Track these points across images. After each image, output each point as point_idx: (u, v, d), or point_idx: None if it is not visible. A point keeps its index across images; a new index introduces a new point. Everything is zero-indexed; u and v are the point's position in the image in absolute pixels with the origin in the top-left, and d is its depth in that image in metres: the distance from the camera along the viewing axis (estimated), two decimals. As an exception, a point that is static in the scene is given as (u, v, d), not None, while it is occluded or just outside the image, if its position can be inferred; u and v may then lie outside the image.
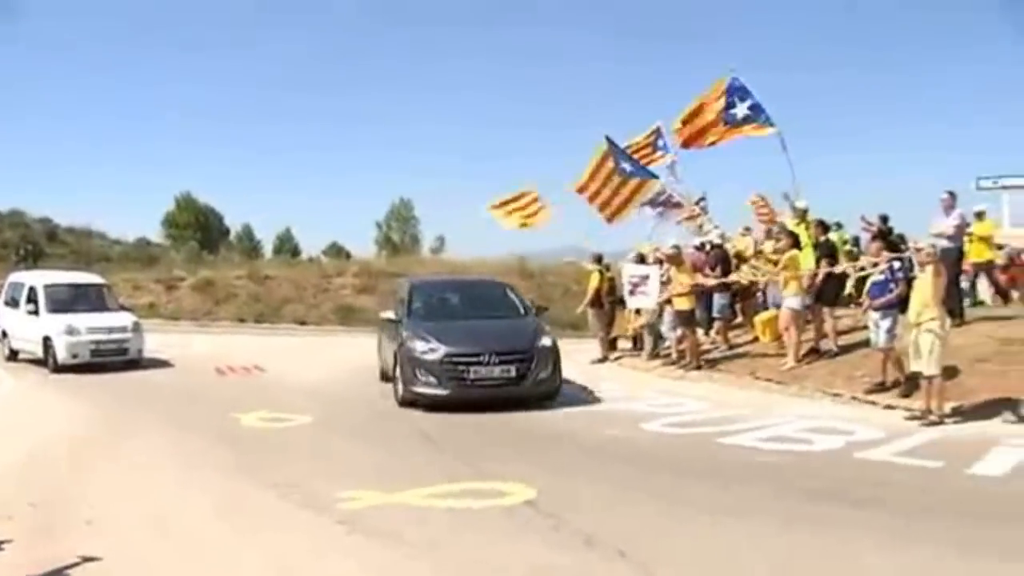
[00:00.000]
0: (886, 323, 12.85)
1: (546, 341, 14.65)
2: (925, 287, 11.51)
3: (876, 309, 13.00)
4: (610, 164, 20.31)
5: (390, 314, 16.25)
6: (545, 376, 14.23)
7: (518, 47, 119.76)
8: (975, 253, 17.06)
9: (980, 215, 17.27)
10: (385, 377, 16.24)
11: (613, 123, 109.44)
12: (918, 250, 12.09)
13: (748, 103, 19.04)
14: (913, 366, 11.86)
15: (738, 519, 7.68)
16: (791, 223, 17.59)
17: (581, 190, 21.13)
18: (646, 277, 19.06)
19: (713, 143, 19.81)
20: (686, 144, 20.12)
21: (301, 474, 9.61)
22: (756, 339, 17.54)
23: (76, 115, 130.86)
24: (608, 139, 20.37)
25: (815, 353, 15.69)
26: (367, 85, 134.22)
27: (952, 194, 15.33)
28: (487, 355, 13.85)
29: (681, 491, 8.72)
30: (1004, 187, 21.78)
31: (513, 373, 13.92)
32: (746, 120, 19.10)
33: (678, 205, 21.38)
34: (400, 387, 14.45)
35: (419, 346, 14.14)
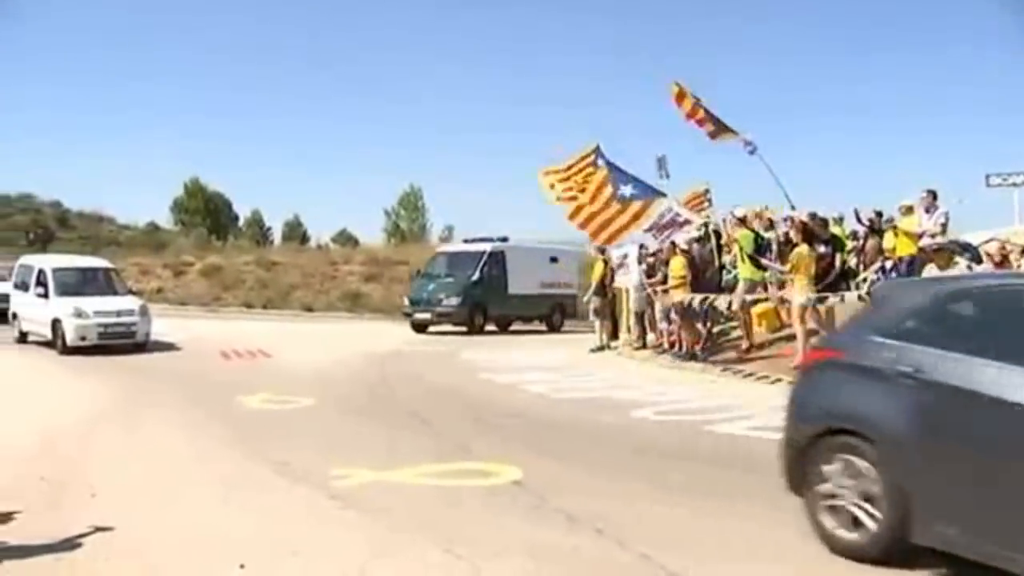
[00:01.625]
0: None
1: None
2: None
3: None
4: (608, 190, 20.45)
5: None
6: None
7: (534, 27, 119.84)
8: (902, 248, 16.38)
9: (909, 210, 17.11)
10: None
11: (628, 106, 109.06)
12: (937, 250, 11.95)
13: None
14: None
15: (718, 501, 7.97)
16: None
17: (572, 217, 21.27)
18: (625, 255, 19.47)
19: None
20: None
21: (299, 453, 9.93)
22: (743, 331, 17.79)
23: (86, 99, 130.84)
24: (606, 161, 20.76)
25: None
26: (379, 73, 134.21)
27: (932, 192, 15.54)
28: None
29: (665, 474, 8.98)
30: (1015, 184, 21.81)
31: None
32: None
33: (687, 223, 20.91)
34: None
35: None
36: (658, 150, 22.69)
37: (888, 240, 16.34)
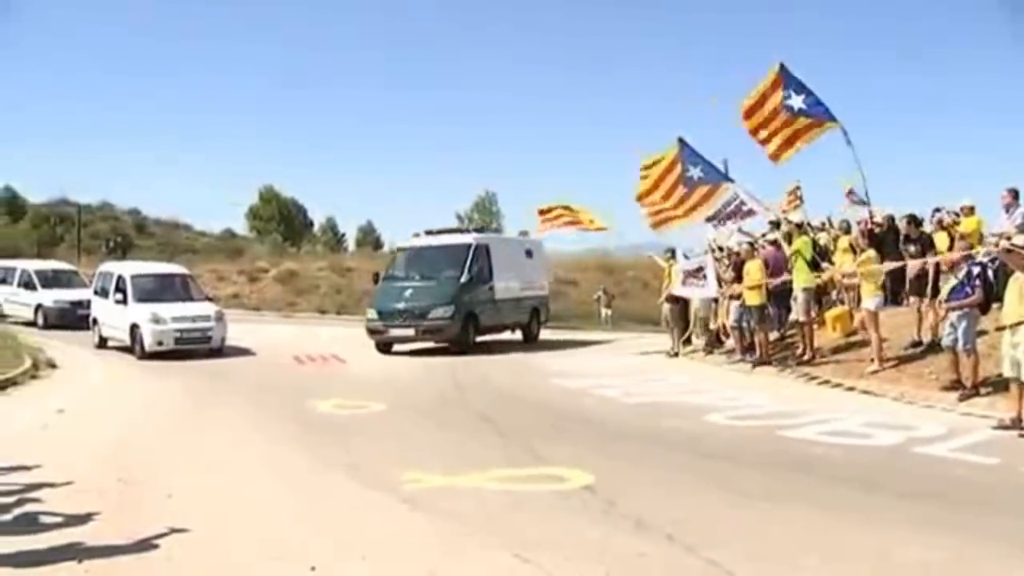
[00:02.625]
0: (964, 324, 12.56)
1: None
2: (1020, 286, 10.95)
3: (953, 310, 12.72)
4: (677, 171, 20.05)
5: None
6: None
7: (599, 51, 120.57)
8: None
9: (970, 211, 16.49)
10: None
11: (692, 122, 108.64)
12: (1009, 251, 11.54)
13: (803, 96, 18.66)
14: (1008, 371, 11.14)
15: (789, 507, 7.87)
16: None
17: (641, 197, 20.96)
18: (700, 268, 19.19)
19: (768, 141, 19.32)
20: (754, 133, 19.33)
21: (370, 457, 10.07)
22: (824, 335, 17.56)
23: (164, 108, 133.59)
24: (681, 141, 20.11)
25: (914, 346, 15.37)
26: (452, 79, 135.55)
27: (1013, 191, 15.09)
28: None
29: (736, 480, 8.88)
30: None
31: None
32: (801, 113, 18.65)
33: (751, 213, 20.31)
34: None
35: None
36: (724, 149, 22.41)
37: (940, 241, 16.00)
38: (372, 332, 23.16)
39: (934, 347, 14.72)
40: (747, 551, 6.56)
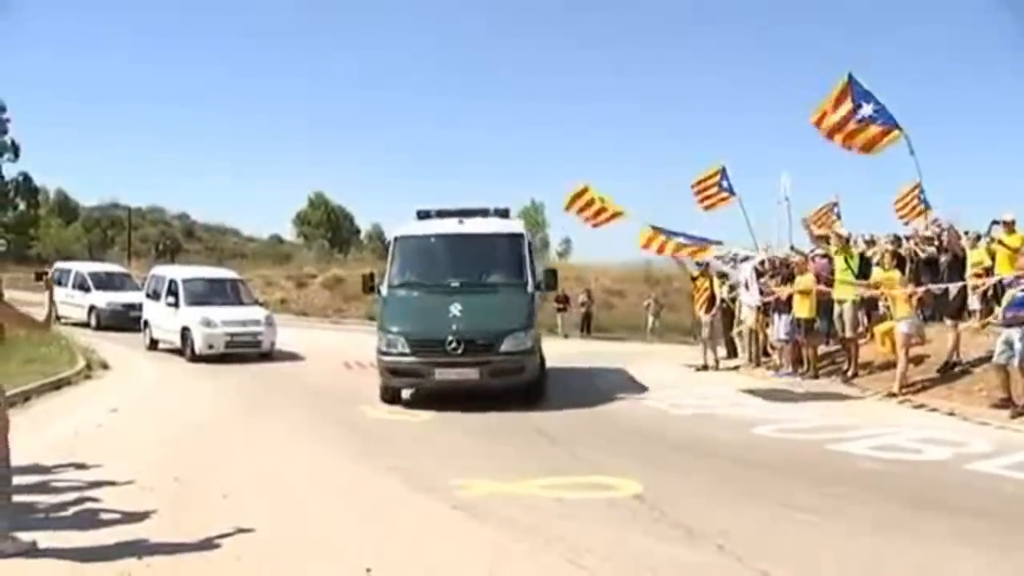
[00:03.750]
0: (1021, 343, 12.41)
1: None
2: None
3: (1014, 325, 12.53)
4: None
5: None
6: None
7: (646, 59, 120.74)
8: (1002, 267, 15.46)
9: (1010, 225, 15.94)
10: None
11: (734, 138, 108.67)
12: None
13: (872, 104, 18.65)
14: None
15: (837, 520, 7.84)
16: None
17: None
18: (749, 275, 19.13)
19: (846, 144, 19.35)
20: (830, 135, 19.41)
21: (421, 463, 10.17)
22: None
23: (212, 114, 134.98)
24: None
25: (947, 367, 15.35)
26: (496, 88, 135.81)
27: None
28: None
29: (785, 492, 8.84)
30: None
31: None
32: (871, 120, 18.64)
33: (746, 259, 20.25)
34: None
35: None
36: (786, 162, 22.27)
37: (975, 256, 15.85)
38: (394, 371, 14.61)
39: (968, 365, 14.83)
40: (797, 562, 6.58)
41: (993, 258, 15.91)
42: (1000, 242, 15.58)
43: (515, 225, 16.92)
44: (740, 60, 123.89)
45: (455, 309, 14.48)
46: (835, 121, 18.96)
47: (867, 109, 18.56)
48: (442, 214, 16.73)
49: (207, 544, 6.79)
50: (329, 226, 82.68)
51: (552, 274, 16.46)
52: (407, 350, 14.27)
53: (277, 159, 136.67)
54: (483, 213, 16.81)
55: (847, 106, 18.72)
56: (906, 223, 21.15)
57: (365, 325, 34.30)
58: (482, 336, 14.20)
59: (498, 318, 14.60)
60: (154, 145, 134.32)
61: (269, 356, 22.01)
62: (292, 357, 22.52)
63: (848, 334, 17.09)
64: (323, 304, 41.92)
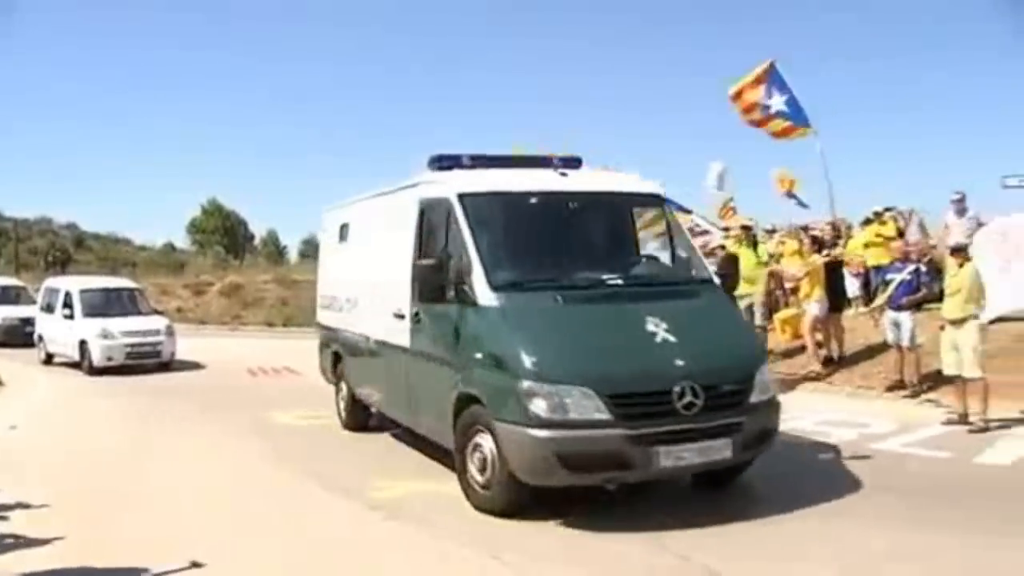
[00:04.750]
0: (909, 323, 13.03)
1: None
2: (965, 283, 11.21)
3: (903, 308, 13.05)
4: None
5: None
6: None
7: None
8: (874, 257, 16.63)
9: (879, 216, 17.16)
10: None
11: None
12: (956, 249, 11.75)
13: (785, 97, 18.99)
14: (948, 368, 11.48)
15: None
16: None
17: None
18: None
19: (756, 124, 19.72)
20: (745, 111, 19.80)
21: (337, 466, 10.18)
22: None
23: (99, 122, 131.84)
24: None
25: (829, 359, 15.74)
26: (391, 92, 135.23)
27: (962, 195, 15.66)
28: None
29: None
30: None
31: None
32: (779, 115, 18.99)
33: (705, 232, 20.27)
34: None
35: None
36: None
37: (852, 246, 16.53)
38: (571, 459, 7.45)
39: (873, 350, 15.24)
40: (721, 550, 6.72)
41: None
42: (877, 233, 16.41)
43: (646, 183, 10.35)
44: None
45: (658, 329, 8.03)
46: (752, 101, 19.35)
47: (778, 102, 18.92)
48: (496, 161, 9.99)
49: (114, 566, 6.69)
50: (224, 232, 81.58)
51: (734, 263, 11.58)
52: (603, 414, 7.39)
53: (168, 166, 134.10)
54: (574, 163, 10.35)
55: (761, 90, 19.14)
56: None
57: (266, 332, 34.02)
58: (728, 378, 7.98)
59: (727, 344, 8.55)
60: (37, 154, 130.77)
61: (169, 366, 21.54)
62: (193, 366, 22.09)
63: (759, 322, 17.31)
64: (221, 312, 41.25)
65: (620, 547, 6.91)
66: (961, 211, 15.62)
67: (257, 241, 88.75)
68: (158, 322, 22.31)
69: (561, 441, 7.33)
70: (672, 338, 7.97)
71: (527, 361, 7.58)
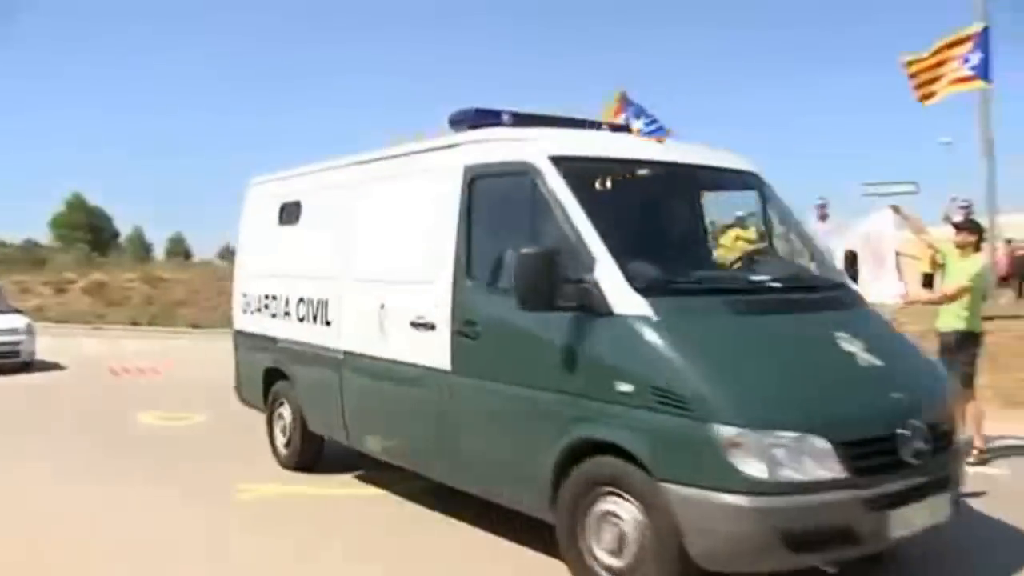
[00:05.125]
0: None
1: None
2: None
3: None
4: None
5: None
6: None
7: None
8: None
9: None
10: None
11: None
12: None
13: (644, 120, 19.33)
14: None
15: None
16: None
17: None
18: None
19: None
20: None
21: (198, 468, 10.15)
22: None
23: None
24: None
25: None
26: (252, 92, 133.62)
27: (825, 200, 16.34)
28: None
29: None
30: (892, 193, 22.27)
31: None
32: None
33: None
34: None
35: None
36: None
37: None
38: (797, 535, 5.29)
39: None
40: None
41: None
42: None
43: (743, 159, 8.11)
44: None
45: (855, 349, 6.11)
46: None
47: (638, 123, 19.32)
48: (544, 122, 7.67)
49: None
50: (89, 229, 79.50)
51: (853, 261, 8.12)
52: (834, 470, 5.38)
53: (29, 161, 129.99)
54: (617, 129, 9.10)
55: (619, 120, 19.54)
56: None
57: (130, 331, 33.40)
58: (944, 414, 6.28)
59: (925, 368, 6.82)
60: None
61: (29, 366, 20.98)
62: (54, 366, 21.49)
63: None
64: (84, 310, 40.24)
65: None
66: (823, 216, 16.16)
67: (123, 239, 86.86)
68: (18, 320, 21.69)
69: (787, 512, 5.24)
70: (877, 361, 6.05)
71: (726, 397, 5.36)
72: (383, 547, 7.25)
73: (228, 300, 33.53)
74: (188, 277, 43.21)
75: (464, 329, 6.88)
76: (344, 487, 9.13)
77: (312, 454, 9.89)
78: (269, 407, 10.47)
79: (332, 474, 9.59)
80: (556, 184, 6.36)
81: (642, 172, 7.33)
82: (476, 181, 7.05)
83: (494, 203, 7.02)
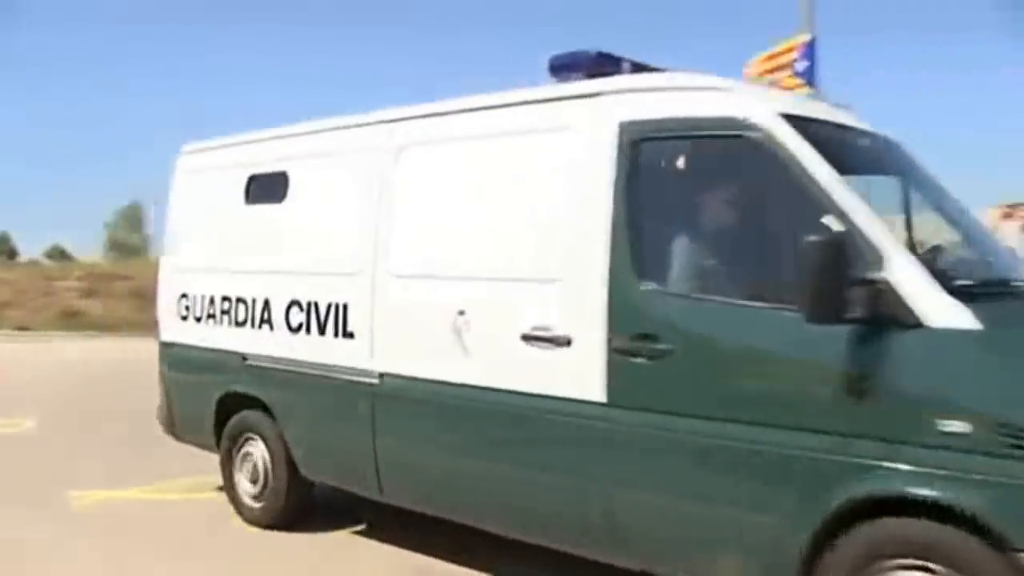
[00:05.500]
0: None
1: None
2: None
3: None
4: None
5: None
6: None
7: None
8: None
9: None
10: None
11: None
12: None
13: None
14: None
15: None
16: None
17: None
18: None
19: None
20: None
21: (28, 476, 9.74)
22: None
23: None
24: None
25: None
26: (91, 83, 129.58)
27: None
28: None
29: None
30: None
31: None
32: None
33: None
34: None
35: None
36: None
37: None
38: None
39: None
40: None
41: None
42: None
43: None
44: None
45: None
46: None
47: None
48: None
49: None
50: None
51: None
52: None
53: None
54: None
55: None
56: None
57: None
58: None
59: None
60: None
61: None
62: None
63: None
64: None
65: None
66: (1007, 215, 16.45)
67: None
68: None
69: None
70: None
71: None
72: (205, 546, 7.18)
73: (57, 301, 32.37)
74: (14, 277, 41.56)
75: (632, 346, 5.02)
76: (169, 492, 8.93)
77: (300, 506, 7.63)
78: (226, 444, 8.00)
79: (162, 480, 9.35)
80: (803, 152, 4.61)
81: (863, 141, 5.70)
82: (642, 144, 5.18)
83: (677, 175, 5.47)
